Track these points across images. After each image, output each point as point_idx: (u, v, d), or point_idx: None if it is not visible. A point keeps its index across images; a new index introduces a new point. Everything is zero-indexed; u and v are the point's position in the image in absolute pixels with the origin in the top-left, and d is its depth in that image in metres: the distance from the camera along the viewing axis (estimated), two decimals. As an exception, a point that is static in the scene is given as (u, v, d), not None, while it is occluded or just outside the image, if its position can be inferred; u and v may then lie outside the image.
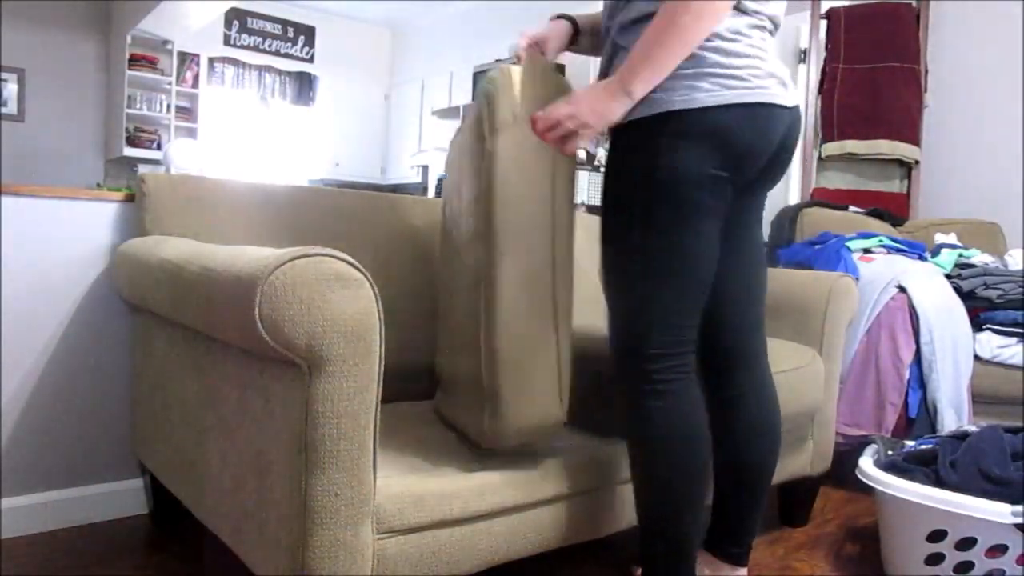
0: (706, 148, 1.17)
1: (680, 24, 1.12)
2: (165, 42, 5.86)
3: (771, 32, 1.27)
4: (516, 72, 1.24)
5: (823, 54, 3.41)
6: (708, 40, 1.16)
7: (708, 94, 1.16)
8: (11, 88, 5.48)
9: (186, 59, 6.14)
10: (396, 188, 6.63)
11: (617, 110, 1.18)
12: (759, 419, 1.41)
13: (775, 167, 1.31)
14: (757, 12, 1.22)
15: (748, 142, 1.19)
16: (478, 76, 4.96)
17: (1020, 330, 2.28)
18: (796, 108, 1.28)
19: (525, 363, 1.23)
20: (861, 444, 1.93)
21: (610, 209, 1.27)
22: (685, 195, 1.18)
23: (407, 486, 1.14)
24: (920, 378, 2.13)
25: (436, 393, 1.62)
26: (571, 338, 1.30)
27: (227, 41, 6.39)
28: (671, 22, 1.12)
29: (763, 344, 1.44)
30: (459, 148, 1.40)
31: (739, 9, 1.20)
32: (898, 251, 2.45)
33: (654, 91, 1.17)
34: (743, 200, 1.34)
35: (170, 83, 5.96)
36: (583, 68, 4.48)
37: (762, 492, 1.44)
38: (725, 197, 1.23)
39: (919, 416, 2.11)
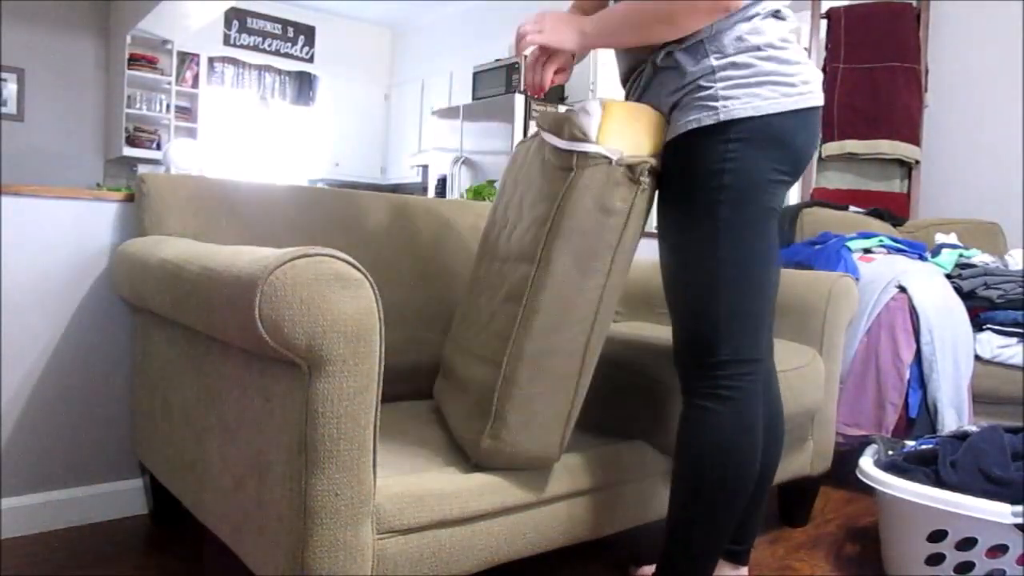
0: (769, 152, 1.20)
1: (668, 17, 1.19)
2: (165, 42, 5.86)
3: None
4: (618, 109, 1.21)
5: (823, 54, 3.41)
6: (762, 49, 1.20)
7: (769, 102, 1.19)
8: (11, 88, 5.48)
9: (186, 59, 6.14)
10: (396, 188, 6.63)
11: (568, 39, 1.27)
12: (768, 424, 1.40)
13: (805, 167, 1.36)
14: (788, 19, 1.26)
15: (803, 145, 1.24)
16: (478, 76, 4.96)
17: (1020, 330, 2.28)
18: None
19: (541, 400, 1.21)
20: (861, 444, 1.93)
21: (676, 217, 1.27)
22: (753, 198, 1.21)
23: (407, 486, 1.14)
24: (920, 378, 2.13)
25: (437, 378, 1.60)
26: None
27: (227, 41, 6.39)
28: (663, 12, 1.19)
29: (771, 345, 1.45)
30: (534, 159, 1.35)
31: (780, 17, 1.24)
32: (898, 251, 2.45)
33: (715, 99, 1.20)
34: None
35: (170, 83, 5.96)
36: (582, 69, 4.48)
37: (764, 492, 1.44)
38: (783, 194, 1.27)
39: (919, 416, 2.11)
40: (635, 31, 1.23)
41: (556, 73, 1.34)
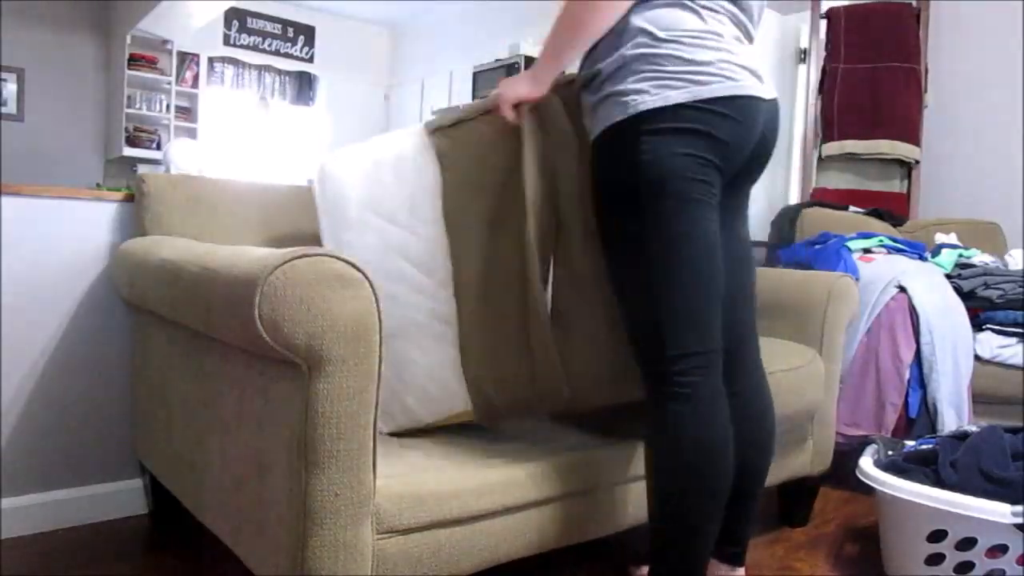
0: (687, 139, 1.19)
1: (577, 20, 1.22)
2: (165, 42, 5.86)
3: (740, 28, 1.29)
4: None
5: (823, 54, 3.41)
6: (668, 45, 1.20)
7: (680, 91, 1.18)
8: (11, 88, 5.48)
9: (186, 59, 6.14)
10: (396, 188, 6.61)
11: (523, 89, 1.31)
12: (756, 422, 1.40)
13: (756, 161, 1.32)
14: (713, 11, 1.24)
15: (729, 132, 1.21)
16: (478, 76, 4.96)
17: (1020, 330, 2.28)
18: (774, 101, 1.30)
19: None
20: (861, 444, 1.93)
21: (604, 214, 1.28)
22: (673, 187, 1.19)
23: (407, 486, 1.14)
24: (920, 378, 2.13)
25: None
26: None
27: (227, 41, 6.39)
28: (571, 17, 1.22)
29: (757, 345, 1.44)
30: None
31: (696, 11, 1.23)
32: (898, 251, 2.45)
33: (626, 95, 1.20)
34: (726, 197, 1.33)
35: (170, 83, 5.95)
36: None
37: (757, 493, 1.44)
38: (714, 185, 1.24)
39: (919, 416, 2.11)
40: (560, 42, 1.25)
41: None
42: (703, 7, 1.23)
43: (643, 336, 1.25)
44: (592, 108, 1.27)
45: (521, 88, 1.32)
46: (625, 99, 1.20)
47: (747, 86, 1.22)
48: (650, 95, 1.18)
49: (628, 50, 1.21)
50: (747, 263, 1.43)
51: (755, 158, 1.31)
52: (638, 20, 1.22)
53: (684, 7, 1.22)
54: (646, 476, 1.28)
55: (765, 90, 1.26)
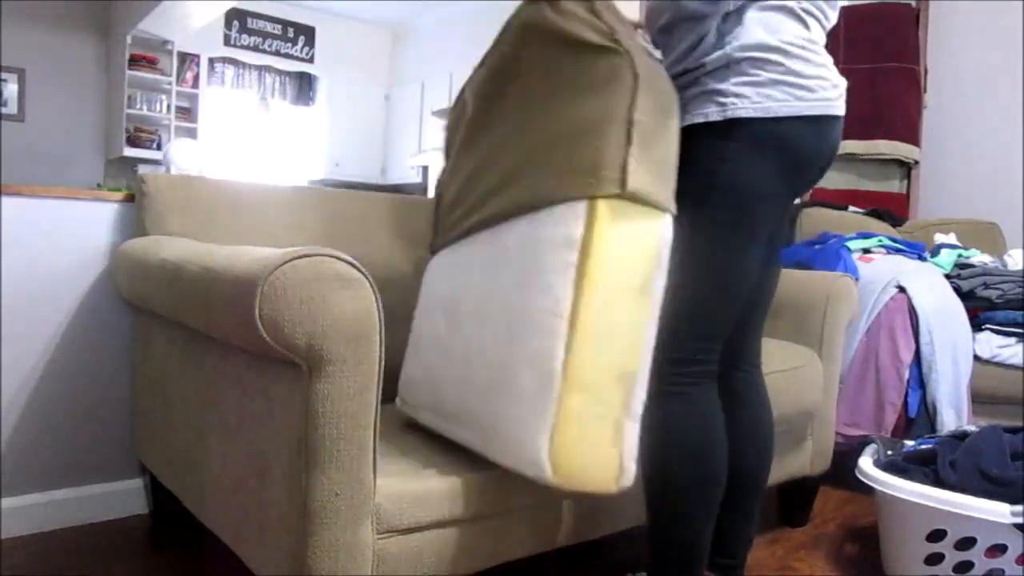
0: (773, 154, 1.17)
1: None
2: (165, 42, 5.86)
3: (825, 31, 1.27)
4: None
5: (823, 54, 3.41)
6: (776, 53, 1.16)
7: (781, 104, 1.16)
8: (11, 88, 5.48)
9: (186, 59, 6.14)
10: (396, 188, 6.62)
11: None
12: (755, 423, 1.39)
13: (817, 176, 1.31)
14: (819, 19, 1.22)
15: (811, 154, 1.21)
16: (478, 76, 4.95)
17: (1020, 330, 2.28)
18: (842, 117, 1.29)
19: None
20: (861, 444, 1.93)
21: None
22: (748, 205, 1.18)
23: (407, 486, 1.14)
24: (920, 378, 2.13)
25: None
26: None
27: (227, 41, 6.39)
28: None
29: (760, 346, 1.44)
30: None
31: (803, 18, 1.20)
32: (898, 251, 2.45)
33: (726, 95, 1.16)
34: None
35: (170, 83, 5.95)
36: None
37: (756, 500, 1.41)
38: (781, 204, 1.24)
39: (919, 416, 2.11)
40: None
41: None
42: (806, 12, 1.21)
43: (663, 332, 1.19)
44: (686, 97, 1.22)
45: None
46: (724, 100, 1.17)
47: (837, 106, 1.22)
48: (750, 101, 1.16)
49: (736, 51, 1.17)
50: (776, 271, 1.43)
51: (818, 173, 1.30)
52: (750, 21, 1.18)
53: (792, 14, 1.20)
54: (642, 473, 1.24)
55: (843, 106, 1.25)
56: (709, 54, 1.19)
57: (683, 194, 1.18)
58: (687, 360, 1.22)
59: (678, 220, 1.16)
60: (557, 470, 1.09)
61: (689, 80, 1.22)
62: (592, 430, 1.12)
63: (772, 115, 1.16)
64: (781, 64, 1.17)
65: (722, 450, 1.25)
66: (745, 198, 1.18)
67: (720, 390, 1.36)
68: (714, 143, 1.18)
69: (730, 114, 1.16)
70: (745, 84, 1.16)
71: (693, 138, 1.19)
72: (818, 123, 1.20)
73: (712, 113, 1.18)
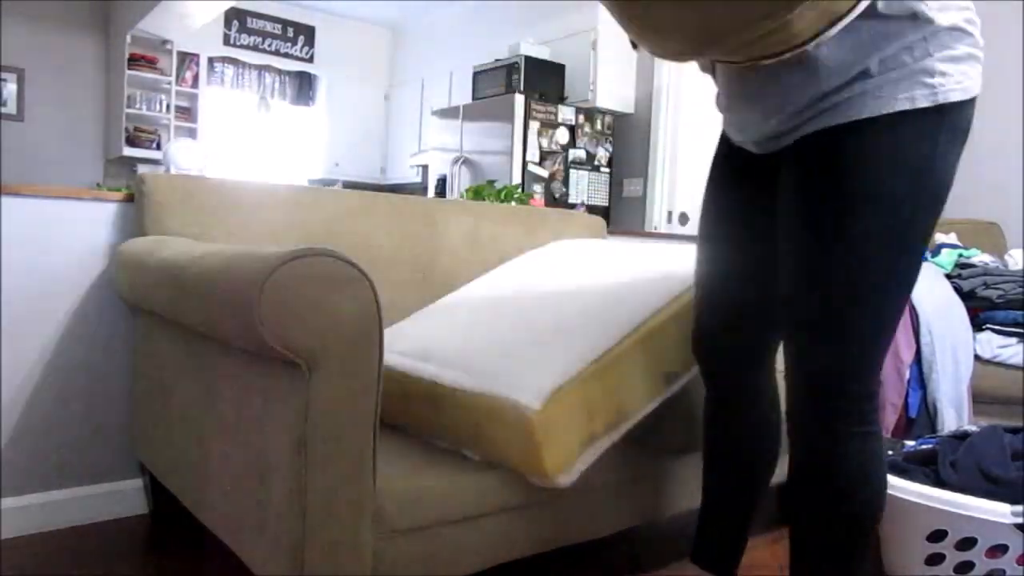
0: (961, 145, 1.02)
1: None
2: (165, 42, 5.86)
3: None
4: None
5: (823, 54, 3.41)
6: (969, 18, 1.00)
7: (975, 81, 1.01)
8: (11, 88, 5.47)
9: (186, 59, 6.13)
10: (396, 188, 6.62)
11: None
12: (765, 420, 1.34)
13: None
14: None
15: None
16: (478, 76, 4.95)
17: (1020, 330, 2.28)
18: None
19: None
20: (861, 444, 1.92)
21: (860, 212, 1.01)
22: (942, 205, 1.03)
23: (407, 486, 1.14)
24: (920, 378, 2.13)
25: None
26: None
27: (227, 41, 6.38)
28: None
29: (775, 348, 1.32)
30: None
31: None
32: (898, 251, 2.44)
33: (932, 75, 0.97)
34: None
35: (170, 83, 5.95)
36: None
37: (761, 497, 1.37)
38: None
39: (919, 416, 2.11)
40: None
41: None
42: None
43: (854, 364, 1.07)
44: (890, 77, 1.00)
45: None
46: (932, 81, 0.97)
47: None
48: (955, 80, 0.98)
49: (940, 16, 0.97)
50: None
51: None
52: None
53: None
54: (848, 542, 1.15)
55: None
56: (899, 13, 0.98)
57: (880, 197, 1.00)
58: (876, 393, 1.09)
59: (876, 229, 1.00)
60: (540, 412, 1.17)
61: (895, 61, 1.00)
62: (581, 417, 1.24)
63: (971, 95, 0.99)
64: (970, 33, 0.99)
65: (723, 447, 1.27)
66: (945, 197, 1.03)
67: (734, 390, 1.33)
68: (921, 134, 0.99)
69: (941, 99, 0.98)
70: (949, 60, 0.98)
71: (891, 130, 0.99)
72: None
73: (921, 98, 0.98)
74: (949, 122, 0.99)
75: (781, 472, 1.79)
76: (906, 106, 0.97)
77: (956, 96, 0.98)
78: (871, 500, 1.12)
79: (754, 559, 1.71)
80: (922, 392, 2.12)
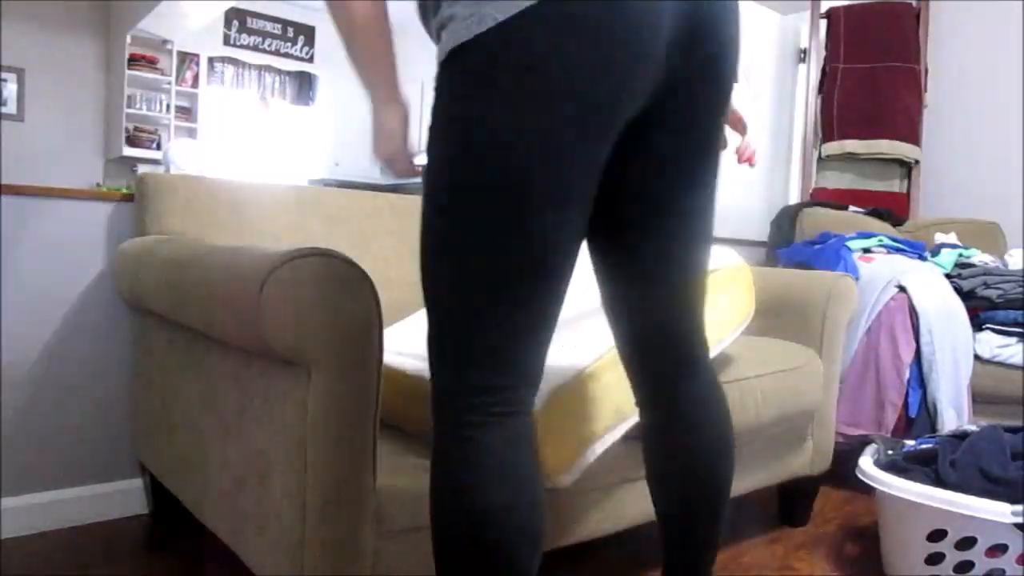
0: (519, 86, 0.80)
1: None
2: (165, 42, 5.86)
3: None
4: None
5: (823, 54, 3.41)
6: None
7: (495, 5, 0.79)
8: (11, 88, 5.47)
9: (186, 59, 6.13)
10: (396, 188, 6.62)
11: (394, 129, 1.10)
12: (711, 435, 1.05)
13: (684, 90, 0.88)
14: None
15: (577, 65, 0.79)
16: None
17: (1020, 330, 2.28)
18: None
19: None
20: (861, 444, 1.93)
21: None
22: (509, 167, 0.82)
23: (407, 486, 1.14)
24: (920, 378, 2.13)
25: None
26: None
27: (227, 41, 6.38)
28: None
29: (702, 339, 1.05)
30: None
31: None
32: (898, 251, 2.45)
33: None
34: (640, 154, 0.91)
35: (170, 83, 5.95)
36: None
37: (721, 518, 1.08)
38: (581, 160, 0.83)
39: (919, 416, 2.11)
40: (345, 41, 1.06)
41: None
42: None
43: None
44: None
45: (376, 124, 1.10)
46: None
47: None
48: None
49: None
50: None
51: (679, 87, 0.89)
52: None
53: None
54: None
55: None
56: None
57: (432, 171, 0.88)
58: None
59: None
60: (540, 412, 1.16)
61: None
62: (581, 417, 1.24)
63: (488, 25, 0.79)
64: None
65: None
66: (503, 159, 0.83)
67: (663, 410, 1.09)
68: (444, 89, 0.88)
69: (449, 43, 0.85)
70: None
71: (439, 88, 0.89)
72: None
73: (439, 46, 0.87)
74: (466, 67, 0.84)
75: (781, 472, 1.80)
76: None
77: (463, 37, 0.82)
78: None
79: (754, 559, 1.72)
80: (922, 392, 2.12)
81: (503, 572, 0.85)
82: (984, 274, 2.39)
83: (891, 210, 3.10)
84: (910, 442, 1.76)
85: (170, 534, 1.70)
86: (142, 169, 5.10)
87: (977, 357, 2.27)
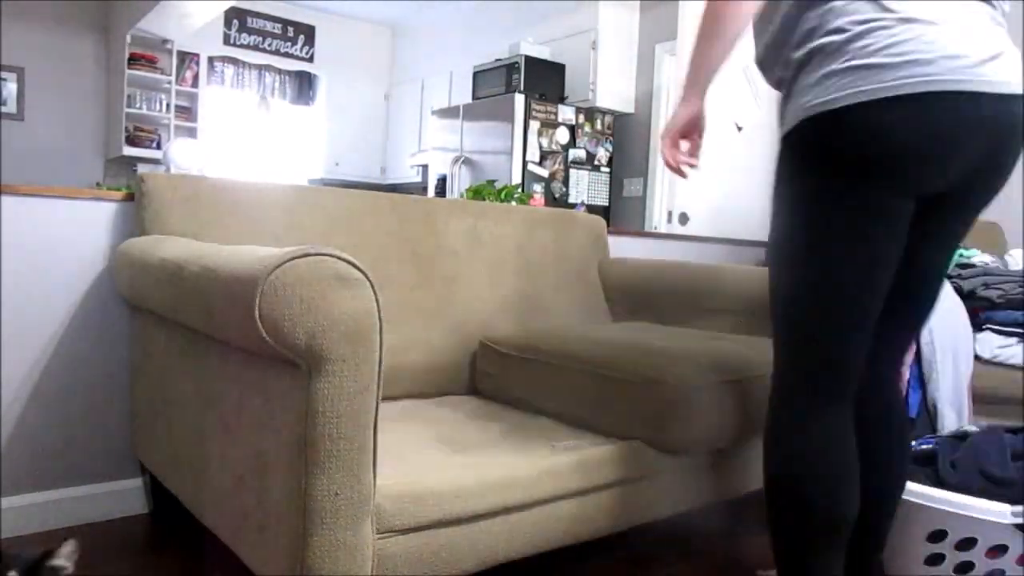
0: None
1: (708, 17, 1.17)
2: (165, 41, 5.86)
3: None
4: None
5: (823, 54, 3.41)
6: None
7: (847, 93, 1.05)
8: (11, 88, 5.47)
9: (186, 58, 6.13)
10: (396, 188, 6.62)
11: (679, 116, 1.27)
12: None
13: (978, 174, 1.16)
14: None
15: (903, 142, 1.06)
16: (478, 76, 4.95)
17: (1020, 330, 2.28)
18: (1011, 96, 1.06)
19: None
20: (861, 444, 1.92)
21: None
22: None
23: (407, 486, 1.14)
24: (920, 378, 2.13)
25: None
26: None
27: (227, 40, 6.38)
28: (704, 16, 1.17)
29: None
30: None
31: None
32: (898, 251, 2.44)
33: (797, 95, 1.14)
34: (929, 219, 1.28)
35: (170, 82, 5.95)
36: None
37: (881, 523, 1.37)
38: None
39: (919, 416, 2.11)
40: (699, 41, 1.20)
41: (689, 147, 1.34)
42: None
43: None
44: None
45: (676, 116, 1.29)
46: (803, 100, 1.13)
47: (944, 79, 1.07)
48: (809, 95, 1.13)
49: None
50: None
51: (976, 172, 1.22)
52: None
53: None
54: None
55: (989, 78, 1.07)
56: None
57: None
58: None
59: None
60: None
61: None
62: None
63: (834, 107, 1.06)
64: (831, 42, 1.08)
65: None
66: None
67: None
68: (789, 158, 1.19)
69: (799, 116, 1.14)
70: (807, 79, 1.12)
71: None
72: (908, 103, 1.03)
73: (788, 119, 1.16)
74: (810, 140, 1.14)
75: (781, 472, 1.79)
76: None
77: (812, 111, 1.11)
78: None
79: (755, 558, 1.71)
80: (922, 392, 2.12)
81: (831, 515, 1.19)
82: (984, 274, 2.39)
83: (891, 210, 3.09)
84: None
85: (170, 534, 1.70)
86: (142, 169, 5.10)
87: (977, 357, 2.27)
